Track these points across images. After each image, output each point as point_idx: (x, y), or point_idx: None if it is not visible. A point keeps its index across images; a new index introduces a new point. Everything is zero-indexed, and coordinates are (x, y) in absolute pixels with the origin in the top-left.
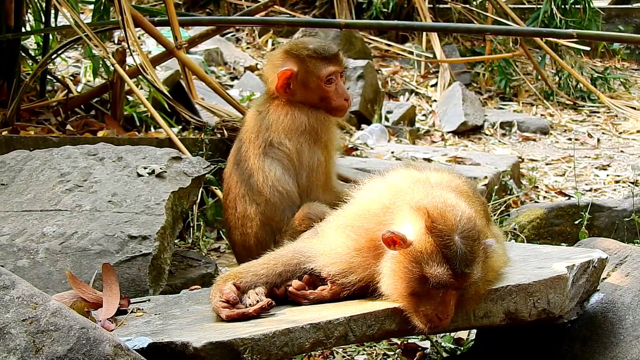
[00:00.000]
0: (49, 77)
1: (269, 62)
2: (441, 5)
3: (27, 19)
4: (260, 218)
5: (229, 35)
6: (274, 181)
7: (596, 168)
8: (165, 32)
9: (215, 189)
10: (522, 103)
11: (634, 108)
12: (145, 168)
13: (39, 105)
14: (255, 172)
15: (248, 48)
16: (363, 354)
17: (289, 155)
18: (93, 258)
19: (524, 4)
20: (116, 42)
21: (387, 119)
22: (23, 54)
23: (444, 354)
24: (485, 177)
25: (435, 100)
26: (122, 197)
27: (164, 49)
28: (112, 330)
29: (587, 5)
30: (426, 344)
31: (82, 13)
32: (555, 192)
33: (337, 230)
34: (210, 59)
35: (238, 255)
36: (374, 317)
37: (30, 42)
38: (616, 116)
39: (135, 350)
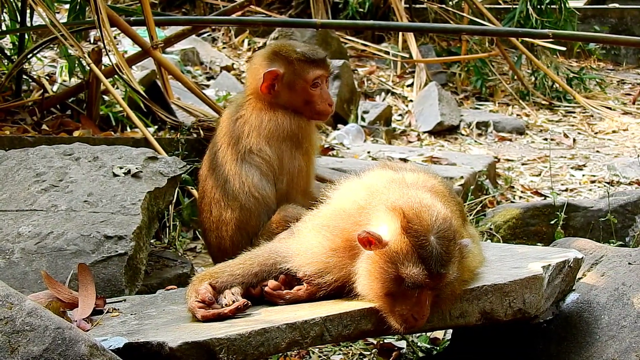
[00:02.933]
0: (24, 76)
1: (255, 61)
2: (417, 6)
3: (2, 18)
4: (235, 223)
5: (205, 35)
6: (250, 187)
7: (572, 168)
8: (141, 31)
9: (192, 188)
10: (498, 103)
11: (610, 108)
12: (121, 168)
13: (14, 105)
14: (232, 178)
15: (224, 48)
16: (339, 354)
17: (268, 161)
18: (69, 258)
19: (500, 4)
20: (92, 41)
21: (363, 119)
22: None
23: (420, 354)
24: (461, 177)
25: (411, 100)
26: (98, 197)
27: (140, 49)
28: (87, 331)
29: (562, 5)
30: (402, 343)
31: (58, 12)
32: (531, 192)
33: (313, 230)
34: (186, 58)
35: (214, 256)
36: (350, 317)
37: (6, 42)
38: (592, 116)
39: (111, 350)
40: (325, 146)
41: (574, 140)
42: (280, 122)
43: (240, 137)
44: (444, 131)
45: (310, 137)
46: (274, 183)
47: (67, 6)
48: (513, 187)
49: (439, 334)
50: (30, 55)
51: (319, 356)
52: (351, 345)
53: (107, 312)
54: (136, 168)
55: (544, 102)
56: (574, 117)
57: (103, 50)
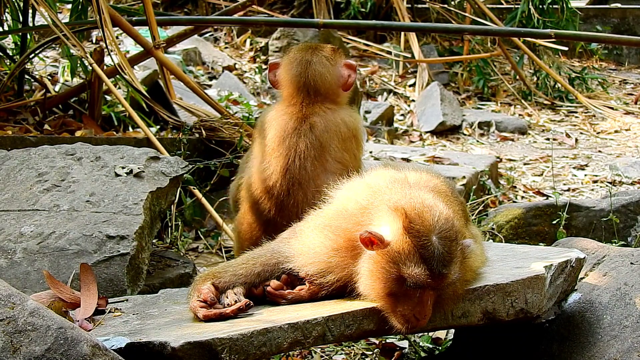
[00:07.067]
0: (26, 76)
1: (323, 64)
2: (419, 5)
3: (4, 18)
4: None
5: (207, 35)
6: None
7: (574, 168)
8: (143, 31)
9: (194, 188)
10: (500, 103)
11: (612, 108)
12: (123, 168)
13: (16, 104)
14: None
15: (226, 48)
16: (341, 354)
17: (347, 166)
18: (71, 258)
19: (502, 4)
20: (94, 41)
21: (365, 119)
22: (1, 54)
23: (422, 354)
24: (464, 177)
25: (413, 100)
26: (100, 197)
27: (142, 49)
28: (90, 330)
29: (564, 5)
30: (404, 343)
31: (60, 12)
32: (533, 192)
33: (315, 230)
34: (188, 58)
35: None
36: (352, 317)
37: (8, 42)
38: (594, 116)
39: (113, 350)
40: None
41: (576, 140)
42: (354, 119)
43: (324, 144)
44: (446, 131)
45: (362, 131)
46: None
47: (69, 6)
48: (515, 187)
49: (441, 333)
50: (33, 55)
51: (321, 356)
52: (353, 345)
53: (109, 312)
54: (138, 168)
55: (546, 102)
56: (576, 117)
57: (105, 50)
